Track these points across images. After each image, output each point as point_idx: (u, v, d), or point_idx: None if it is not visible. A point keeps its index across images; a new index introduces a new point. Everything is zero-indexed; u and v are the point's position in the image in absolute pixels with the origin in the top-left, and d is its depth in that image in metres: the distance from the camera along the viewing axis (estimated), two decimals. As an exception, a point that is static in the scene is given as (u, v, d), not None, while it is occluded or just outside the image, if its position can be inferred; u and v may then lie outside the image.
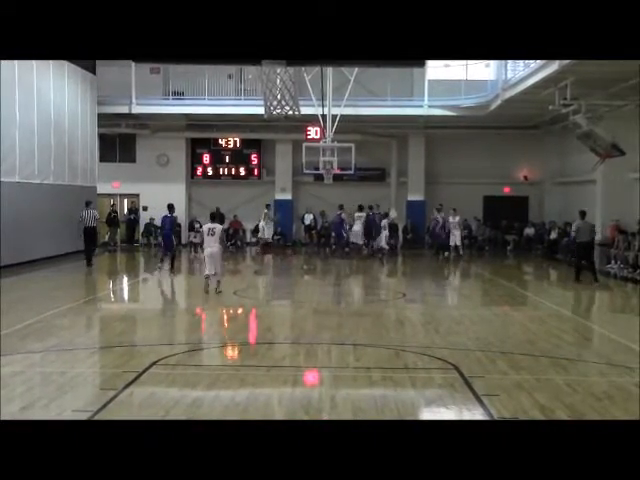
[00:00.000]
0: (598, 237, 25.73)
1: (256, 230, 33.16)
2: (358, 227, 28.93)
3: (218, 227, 16.95)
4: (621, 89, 21.56)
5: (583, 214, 20.26)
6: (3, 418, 7.03)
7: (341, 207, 28.91)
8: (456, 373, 9.43)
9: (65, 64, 26.56)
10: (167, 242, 21.76)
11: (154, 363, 9.85)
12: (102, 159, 32.08)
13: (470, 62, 31.22)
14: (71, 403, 7.98)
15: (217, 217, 18.09)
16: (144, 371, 9.38)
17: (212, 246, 16.72)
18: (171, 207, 21.38)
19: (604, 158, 21.83)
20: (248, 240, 34.25)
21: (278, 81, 10.83)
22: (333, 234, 30.22)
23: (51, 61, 25.21)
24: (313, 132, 28.38)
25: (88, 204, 24.31)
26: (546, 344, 11.72)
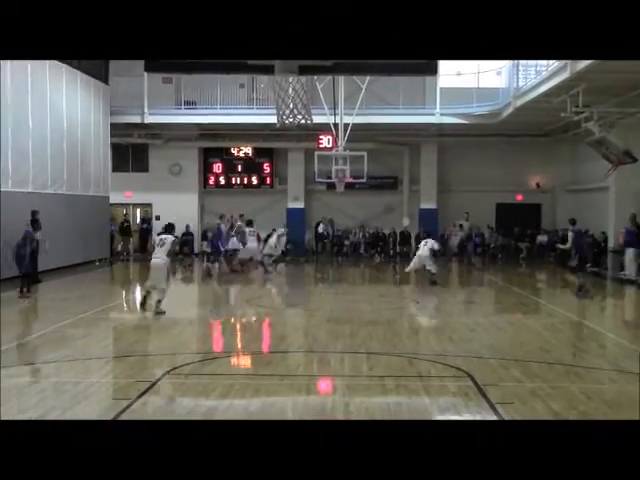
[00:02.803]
0: (611, 244, 25.68)
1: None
2: (253, 243, 25.95)
3: (169, 238, 15.74)
4: (633, 96, 21.50)
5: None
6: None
7: (221, 217, 26.16)
8: (470, 381, 9.41)
9: (78, 74, 26.72)
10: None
11: (168, 372, 9.88)
12: (115, 169, 32.19)
13: (482, 70, 31.25)
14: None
15: (169, 228, 16.81)
16: (157, 380, 9.40)
17: (158, 257, 15.49)
18: (171, 227, 20.45)
19: (617, 165, 21.77)
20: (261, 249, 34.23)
21: (290, 90, 10.87)
22: (206, 243, 28.25)
23: (64, 71, 25.39)
24: (325, 141, 28.40)
25: (34, 223, 20.08)
26: (560, 351, 11.68)
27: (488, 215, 33.49)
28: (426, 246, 21.45)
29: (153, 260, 15.67)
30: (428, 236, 22.41)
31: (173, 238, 16.02)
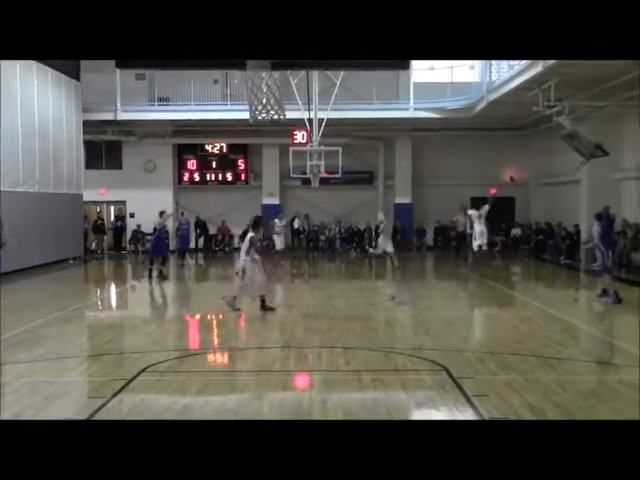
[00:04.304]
0: (583, 237, 25.88)
1: (245, 235, 33.24)
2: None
3: (247, 237, 15.35)
4: (603, 90, 21.67)
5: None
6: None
7: (161, 214, 23.43)
8: (446, 374, 9.45)
9: (49, 71, 26.49)
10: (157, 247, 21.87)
11: (143, 370, 9.83)
12: (88, 166, 32.01)
13: (455, 64, 31.36)
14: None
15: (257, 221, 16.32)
16: (133, 378, 9.35)
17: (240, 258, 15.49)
18: (161, 213, 21.19)
19: (588, 158, 21.93)
20: (236, 245, 34.20)
21: (263, 85, 10.82)
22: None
23: (35, 68, 25.13)
24: (300, 136, 28.35)
25: None
26: (535, 344, 11.75)
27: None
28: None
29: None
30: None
31: (251, 235, 15.36)
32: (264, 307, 15.10)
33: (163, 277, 21.75)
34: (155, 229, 22.86)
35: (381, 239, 25.07)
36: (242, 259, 15.24)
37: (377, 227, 28.77)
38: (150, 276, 21.68)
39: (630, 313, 15.17)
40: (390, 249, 24.48)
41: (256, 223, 15.67)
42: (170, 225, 27.08)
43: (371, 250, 23.90)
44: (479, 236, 22.21)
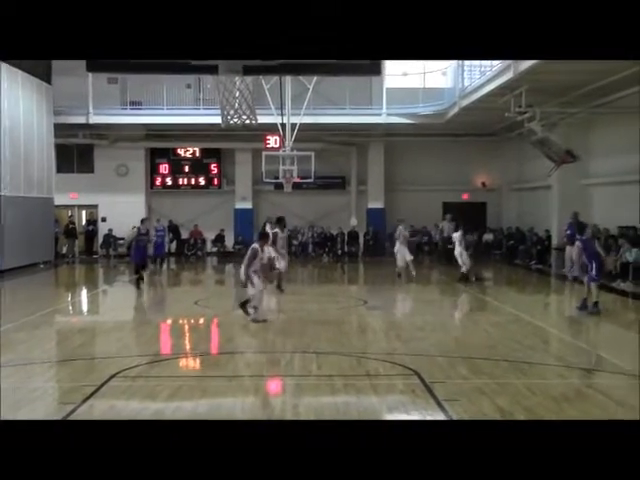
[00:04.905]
0: (554, 242, 26.11)
1: (217, 240, 33.32)
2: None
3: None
4: (574, 97, 21.90)
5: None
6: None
7: (143, 221, 22.57)
8: (417, 379, 9.48)
9: (19, 73, 26.24)
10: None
11: (113, 375, 9.77)
12: (59, 170, 31.73)
13: (427, 70, 31.56)
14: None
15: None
16: (104, 383, 9.29)
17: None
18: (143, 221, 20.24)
19: (559, 164, 22.13)
20: (209, 250, 34.15)
21: (235, 90, 10.80)
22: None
23: (3, 69, 24.84)
24: (272, 141, 28.29)
25: None
26: (506, 348, 11.83)
27: (435, 214, 33.72)
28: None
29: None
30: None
31: (254, 245, 14.72)
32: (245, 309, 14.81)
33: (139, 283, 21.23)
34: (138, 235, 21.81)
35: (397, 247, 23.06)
36: (243, 271, 14.37)
37: (350, 232, 28.77)
38: (139, 286, 20.85)
39: (597, 317, 15.29)
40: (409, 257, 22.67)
41: (264, 234, 15.91)
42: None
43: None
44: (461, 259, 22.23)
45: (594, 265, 15.52)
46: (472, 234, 31.94)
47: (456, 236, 22.41)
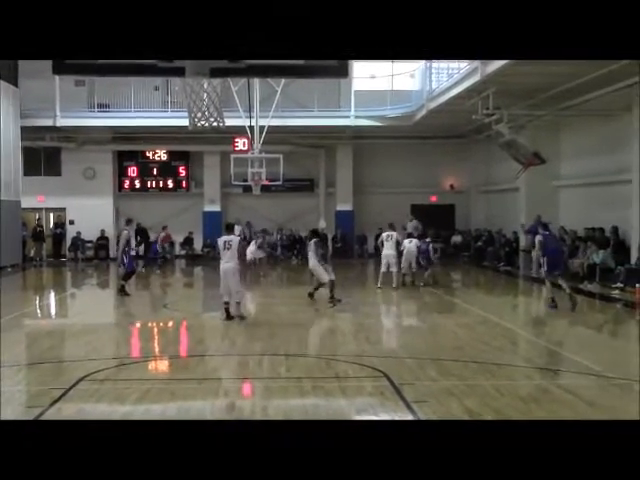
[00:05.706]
0: (522, 244, 26.31)
1: (186, 242, 33.22)
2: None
3: (235, 240, 15.01)
4: (541, 99, 22.10)
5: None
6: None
7: (128, 222, 21.88)
8: (386, 381, 9.52)
9: (-15, 76, 26.00)
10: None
11: (82, 379, 9.70)
12: (26, 173, 31.46)
13: (395, 73, 31.68)
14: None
15: (230, 229, 16.29)
16: (72, 387, 9.23)
17: (228, 261, 14.70)
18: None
19: (526, 166, 22.30)
20: (177, 252, 34.00)
21: (202, 92, 10.78)
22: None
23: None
24: (241, 143, 28.29)
25: None
26: (474, 350, 11.91)
27: (403, 216, 33.82)
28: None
29: (224, 265, 14.72)
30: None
31: (239, 239, 15.51)
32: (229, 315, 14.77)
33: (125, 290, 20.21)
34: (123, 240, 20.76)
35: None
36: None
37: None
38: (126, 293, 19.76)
39: (565, 318, 15.48)
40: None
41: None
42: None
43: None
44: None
45: (545, 260, 15.88)
46: (439, 239, 32.24)
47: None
